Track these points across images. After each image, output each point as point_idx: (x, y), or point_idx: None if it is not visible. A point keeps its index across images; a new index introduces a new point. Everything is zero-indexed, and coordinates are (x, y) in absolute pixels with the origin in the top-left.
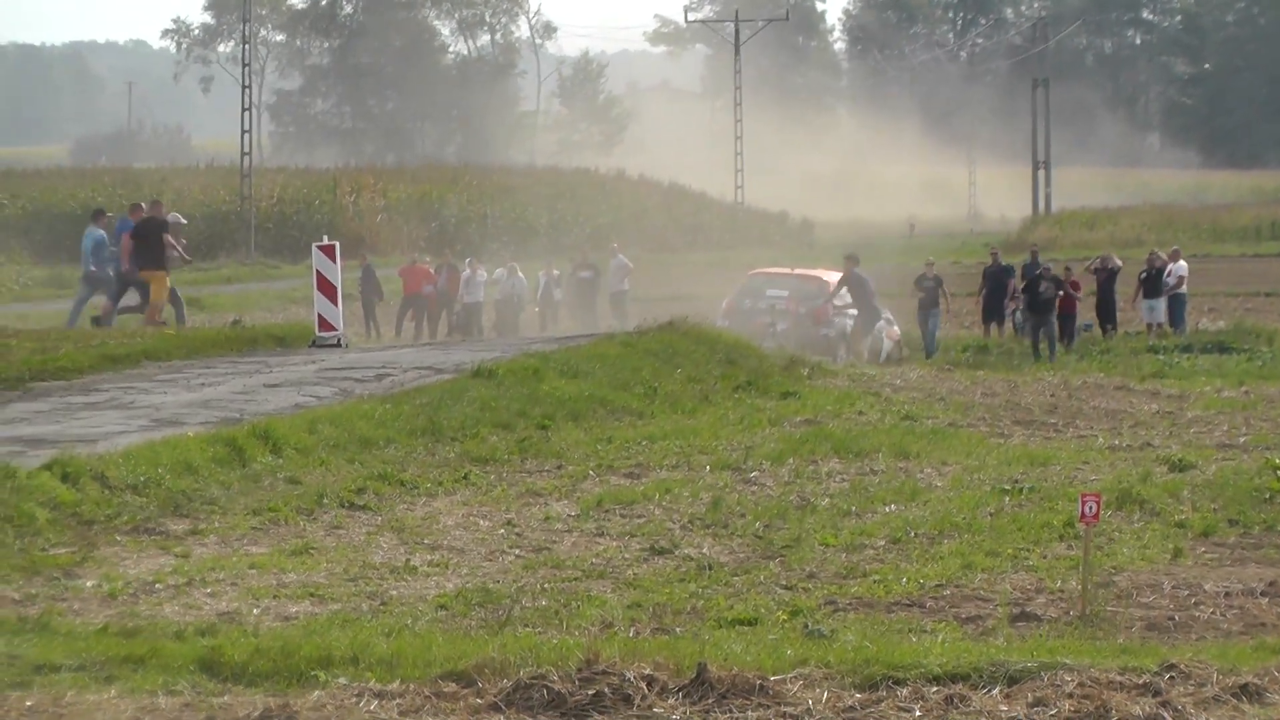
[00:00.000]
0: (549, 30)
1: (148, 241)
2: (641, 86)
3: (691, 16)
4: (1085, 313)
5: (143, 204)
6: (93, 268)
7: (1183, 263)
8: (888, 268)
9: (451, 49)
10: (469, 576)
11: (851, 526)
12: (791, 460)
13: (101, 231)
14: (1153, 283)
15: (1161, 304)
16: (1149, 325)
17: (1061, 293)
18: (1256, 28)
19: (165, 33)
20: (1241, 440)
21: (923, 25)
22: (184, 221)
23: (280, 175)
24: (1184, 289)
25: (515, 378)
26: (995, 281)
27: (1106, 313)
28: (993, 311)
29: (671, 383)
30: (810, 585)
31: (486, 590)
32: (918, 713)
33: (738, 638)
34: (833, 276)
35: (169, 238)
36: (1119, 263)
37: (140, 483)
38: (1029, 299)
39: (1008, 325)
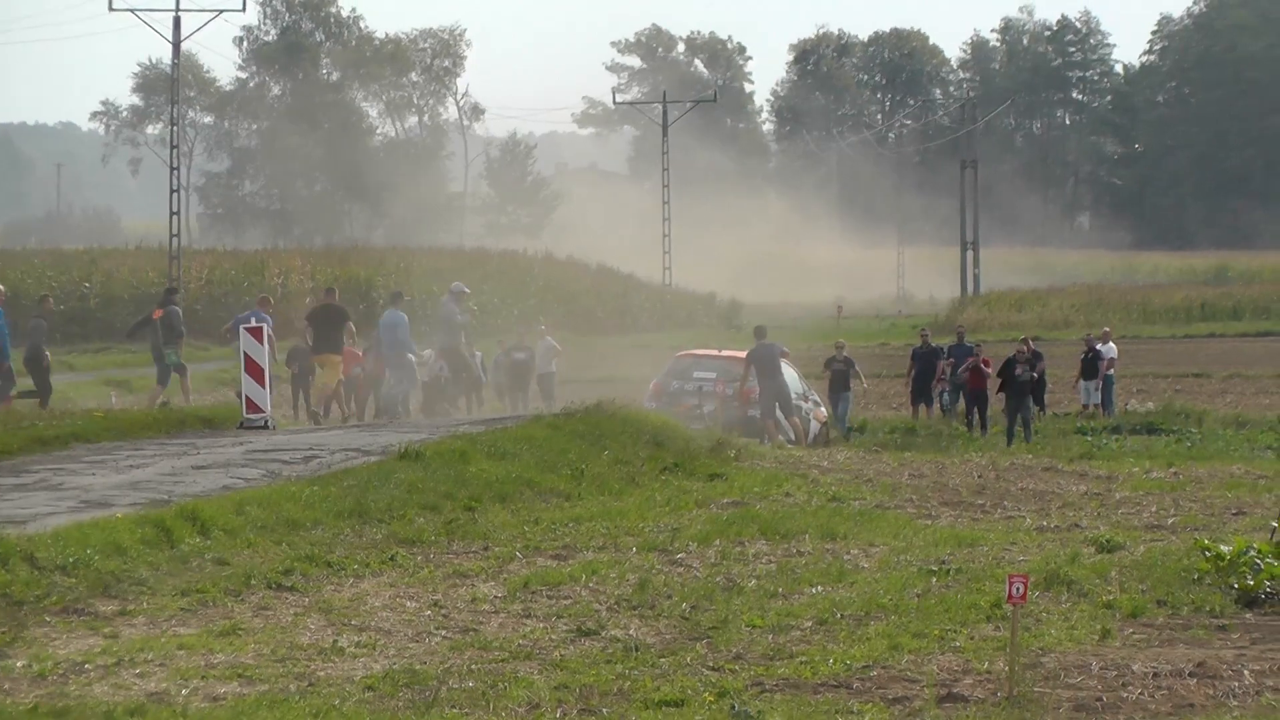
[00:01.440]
0: (477, 112)
1: (327, 326)
2: (569, 168)
3: (619, 98)
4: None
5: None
6: (411, 353)
7: (1111, 344)
8: (816, 349)
9: (379, 131)
10: (396, 658)
11: (778, 608)
12: (718, 542)
13: (403, 315)
14: (1091, 365)
15: (1094, 385)
16: (1084, 406)
17: (1035, 374)
18: (1187, 107)
19: (94, 115)
20: (1170, 521)
21: (850, 106)
22: (467, 290)
23: (209, 257)
24: (1112, 371)
25: (442, 460)
26: (925, 363)
27: (1035, 394)
28: (921, 393)
29: (599, 464)
30: (737, 666)
31: (413, 671)
32: None
33: (664, 719)
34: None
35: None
36: (1042, 367)
37: (69, 564)
38: (1005, 383)
39: (935, 406)
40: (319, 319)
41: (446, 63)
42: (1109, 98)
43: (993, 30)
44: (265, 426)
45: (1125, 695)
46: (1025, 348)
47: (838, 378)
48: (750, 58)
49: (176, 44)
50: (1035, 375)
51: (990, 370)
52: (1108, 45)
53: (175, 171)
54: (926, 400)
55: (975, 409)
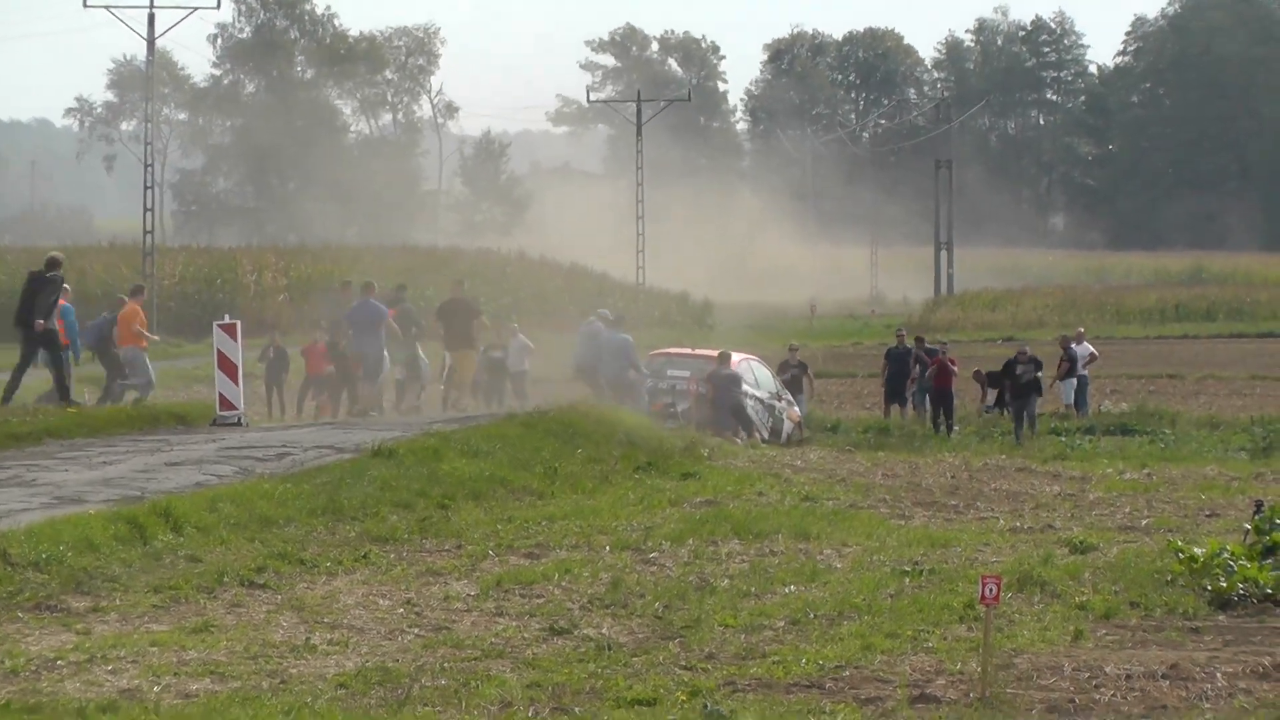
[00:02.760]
0: (451, 110)
1: (458, 320)
2: (543, 167)
3: (593, 97)
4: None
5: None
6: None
7: (1086, 344)
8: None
9: (353, 128)
10: (368, 655)
11: (751, 607)
12: (691, 541)
13: (628, 336)
14: (1069, 365)
15: (1070, 386)
16: (1066, 406)
17: (1040, 373)
18: (1161, 109)
19: (68, 111)
20: (1143, 522)
21: (824, 106)
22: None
23: (182, 254)
24: (1085, 371)
25: (416, 457)
26: (899, 363)
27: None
28: (895, 393)
29: (572, 463)
30: (709, 666)
31: (386, 669)
32: None
33: (637, 718)
34: (735, 357)
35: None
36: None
37: (42, 560)
38: (1008, 383)
39: (909, 406)
40: (449, 313)
41: (420, 60)
42: (1083, 98)
43: (967, 30)
44: (239, 423)
45: (1098, 697)
46: (1024, 354)
47: (793, 383)
48: (724, 57)
49: (151, 40)
50: (1036, 376)
51: (956, 369)
52: (1082, 46)
53: (149, 168)
54: (900, 400)
55: (941, 409)
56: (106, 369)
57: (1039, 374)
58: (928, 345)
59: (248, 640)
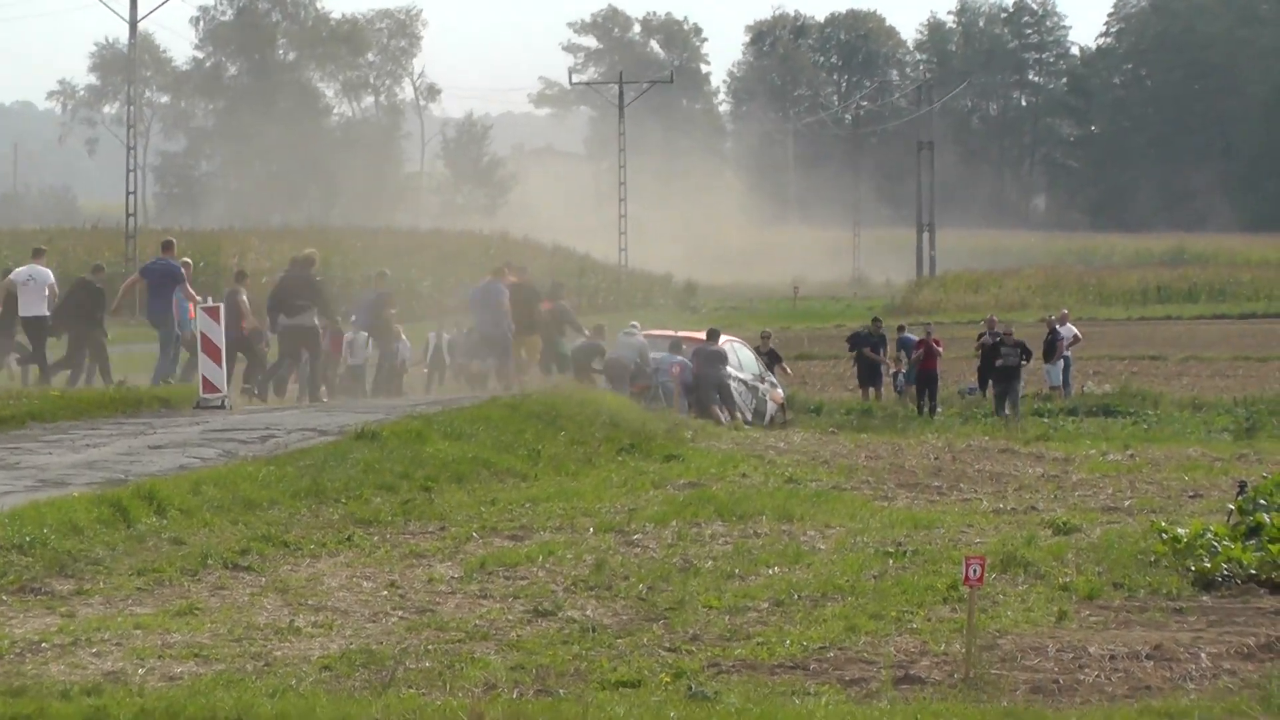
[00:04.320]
0: (433, 92)
1: (522, 306)
2: (526, 149)
3: (575, 78)
4: (969, 376)
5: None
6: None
7: (1070, 326)
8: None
9: (336, 111)
10: (352, 638)
11: (735, 589)
12: (675, 522)
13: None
14: (1051, 346)
15: (1058, 367)
16: (1053, 388)
17: (1025, 360)
18: (1143, 89)
19: (51, 94)
20: (1126, 503)
21: (807, 87)
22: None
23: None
24: (1069, 352)
25: (399, 440)
26: (868, 348)
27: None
28: (868, 377)
29: (555, 445)
30: (694, 647)
31: (370, 651)
32: None
33: (621, 700)
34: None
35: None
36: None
37: (26, 543)
38: (990, 366)
39: (887, 388)
40: (515, 299)
41: (403, 43)
42: (1065, 79)
43: (949, 12)
44: (222, 406)
45: (1082, 677)
46: (1009, 336)
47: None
48: (706, 39)
49: (133, 23)
50: (1023, 360)
51: (941, 349)
52: (1064, 27)
53: (132, 151)
54: (875, 384)
55: (925, 391)
56: (381, 350)
57: (1022, 359)
58: (907, 333)
59: (232, 623)
